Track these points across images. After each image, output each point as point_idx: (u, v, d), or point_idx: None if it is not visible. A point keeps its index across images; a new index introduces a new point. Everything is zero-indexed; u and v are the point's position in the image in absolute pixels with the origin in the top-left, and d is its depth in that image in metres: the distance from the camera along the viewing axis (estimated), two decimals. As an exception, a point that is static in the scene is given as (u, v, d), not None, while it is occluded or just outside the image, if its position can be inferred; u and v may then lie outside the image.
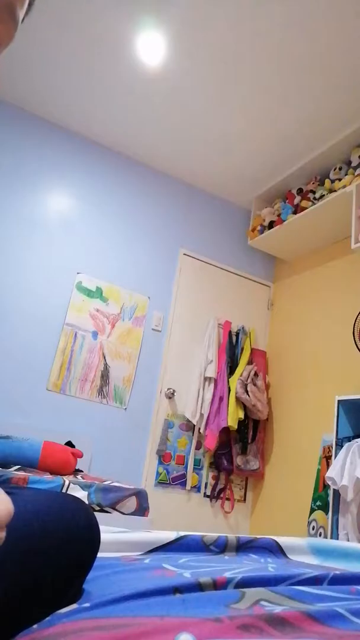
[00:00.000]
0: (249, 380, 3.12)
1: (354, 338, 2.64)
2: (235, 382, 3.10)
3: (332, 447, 2.37)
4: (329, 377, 2.89)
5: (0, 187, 2.90)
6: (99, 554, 0.59)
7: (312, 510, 2.52)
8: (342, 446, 2.23)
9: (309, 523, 2.49)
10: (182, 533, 0.93)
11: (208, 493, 3.05)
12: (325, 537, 2.28)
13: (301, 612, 0.47)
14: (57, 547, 0.50)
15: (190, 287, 3.37)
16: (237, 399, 3.06)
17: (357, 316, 2.68)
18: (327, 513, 2.33)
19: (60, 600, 0.50)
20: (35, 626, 0.45)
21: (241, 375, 3.13)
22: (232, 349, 3.31)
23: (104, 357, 2.92)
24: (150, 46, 2.47)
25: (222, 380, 3.14)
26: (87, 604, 0.49)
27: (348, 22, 2.18)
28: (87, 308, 2.96)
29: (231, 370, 3.22)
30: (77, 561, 0.53)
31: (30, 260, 2.88)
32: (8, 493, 0.44)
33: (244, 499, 3.17)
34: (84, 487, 1.74)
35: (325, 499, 2.43)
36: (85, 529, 0.55)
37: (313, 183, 3.10)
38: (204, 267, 3.47)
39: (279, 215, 3.28)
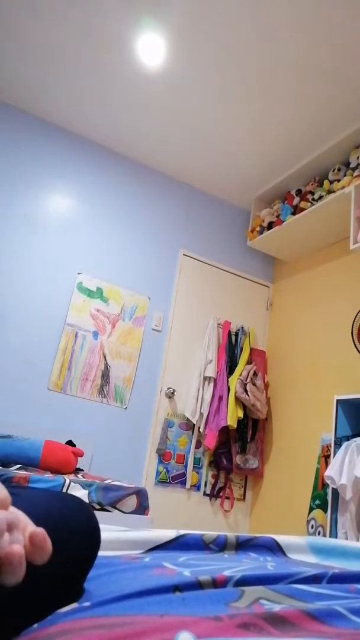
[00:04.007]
0: (249, 379, 3.12)
1: (353, 338, 2.65)
2: (234, 381, 3.11)
3: (330, 446, 2.37)
4: (328, 377, 2.89)
5: (1, 187, 2.90)
6: (99, 553, 0.60)
7: (311, 509, 2.53)
8: (340, 445, 2.24)
9: (308, 522, 2.49)
10: (182, 532, 0.93)
11: (208, 492, 3.05)
12: (324, 535, 2.28)
13: (300, 611, 0.47)
14: (58, 548, 0.51)
15: (190, 287, 3.38)
16: (237, 399, 3.06)
17: (356, 316, 2.69)
18: (326, 512, 2.33)
19: (61, 599, 0.51)
20: (35, 625, 0.46)
21: (240, 375, 3.13)
22: (231, 348, 3.31)
23: (105, 357, 2.93)
24: (151, 47, 2.47)
25: (221, 380, 3.14)
26: (87, 603, 0.50)
27: (348, 23, 2.18)
28: (88, 308, 2.97)
29: (230, 369, 3.22)
30: (77, 561, 0.54)
31: (31, 261, 2.88)
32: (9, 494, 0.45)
33: (244, 498, 3.18)
34: (84, 486, 1.74)
35: (324, 497, 2.44)
36: (86, 529, 0.55)
37: (312, 184, 3.10)
38: (204, 268, 3.48)
39: (278, 216, 3.28)
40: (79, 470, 2.36)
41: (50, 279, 2.91)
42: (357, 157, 2.80)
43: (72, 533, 0.53)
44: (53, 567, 0.50)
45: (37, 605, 0.48)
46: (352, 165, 2.83)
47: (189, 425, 3.09)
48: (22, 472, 1.74)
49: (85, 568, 0.55)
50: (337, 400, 2.36)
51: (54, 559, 0.51)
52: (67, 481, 1.73)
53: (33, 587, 0.48)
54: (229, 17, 2.24)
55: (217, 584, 0.58)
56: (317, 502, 2.50)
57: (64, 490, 1.70)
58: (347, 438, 2.28)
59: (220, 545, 0.92)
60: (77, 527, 0.54)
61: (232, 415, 3.01)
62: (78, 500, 0.59)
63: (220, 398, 3.08)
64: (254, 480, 3.23)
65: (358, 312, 2.70)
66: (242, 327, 3.42)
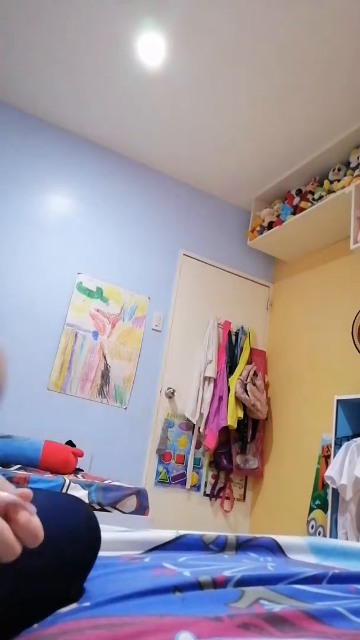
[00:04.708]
0: (249, 379, 3.12)
1: (353, 338, 2.65)
2: (234, 381, 3.11)
3: (331, 446, 2.37)
4: (328, 377, 2.89)
5: (1, 187, 2.90)
6: (99, 553, 0.60)
7: (311, 509, 2.53)
8: (341, 445, 2.24)
9: (308, 522, 2.49)
10: (182, 532, 0.93)
11: (208, 492, 3.05)
12: (324, 536, 2.28)
13: (301, 611, 0.47)
14: (58, 548, 0.51)
15: (190, 287, 3.38)
16: (237, 399, 3.06)
17: (356, 316, 2.69)
18: (326, 512, 2.33)
19: (61, 599, 0.51)
20: (35, 625, 0.46)
21: (240, 375, 3.13)
22: (231, 348, 3.31)
23: (105, 357, 2.93)
24: (151, 47, 2.47)
25: (221, 380, 3.14)
26: (87, 603, 0.50)
27: (348, 24, 2.18)
28: (88, 308, 2.97)
29: (231, 369, 3.22)
30: (77, 562, 0.53)
31: (31, 261, 2.88)
32: None
33: (244, 498, 3.18)
34: (84, 486, 1.74)
35: (324, 498, 2.43)
36: (85, 530, 0.55)
37: (312, 184, 3.10)
38: (204, 268, 3.48)
39: (278, 216, 3.28)
40: (79, 470, 2.36)
41: (50, 279, 2.91)
42: (357, 157, 2.79)
43: (72, 533, 0.53)
44: (53, 567, 0.50)
45: (38, 605, 0.48)
46: (352, 165, 2.83)
47: (189, 426, 3.09)
48: (22, 473, 1.74)
49: (86, 568, 0.55)
50: (337, 400, 2.36)
51: (54, 559, 0.50)
52: (67, 481, 1.73)
53: (33, 587, 0.48)
54: (229, 17, 2.24)
55: (217, 584, 0.58)
56: (317, 502, 2.50)
57: (64, 490, 1.70)
58: (347, 438, 2.27)
59: (220, 546, 0.92)
60: (77, 527, 0.54)
61: (232, 416, 3.01)
62: (77, 500, 0.59)
63: (220, 398, 3.08)
64: (254, 481, 3.23)
65: (358, 312, 2.70)
66: (242, 327, 3.42)
